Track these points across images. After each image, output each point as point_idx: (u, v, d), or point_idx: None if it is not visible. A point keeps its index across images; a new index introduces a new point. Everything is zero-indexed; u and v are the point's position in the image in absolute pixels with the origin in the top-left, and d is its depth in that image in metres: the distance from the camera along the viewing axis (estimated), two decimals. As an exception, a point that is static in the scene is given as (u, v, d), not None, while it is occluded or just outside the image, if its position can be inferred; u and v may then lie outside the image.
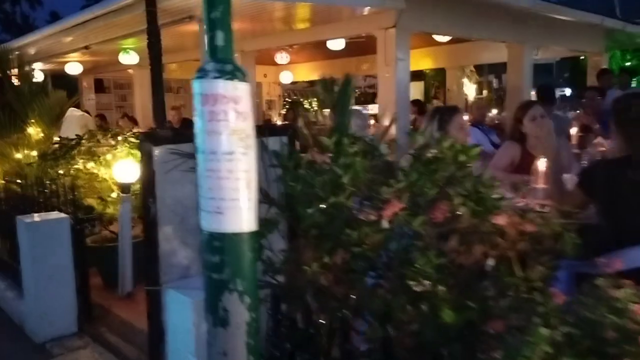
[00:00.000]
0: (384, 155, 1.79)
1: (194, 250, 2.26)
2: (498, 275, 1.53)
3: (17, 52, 5.45)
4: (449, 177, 1.58)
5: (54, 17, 42.67)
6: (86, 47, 7.24)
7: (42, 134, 5.45)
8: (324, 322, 1.68)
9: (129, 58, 7.93)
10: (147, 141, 2.04)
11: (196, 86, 1.23)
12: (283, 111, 16.04)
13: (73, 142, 4.40)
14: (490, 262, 1.57)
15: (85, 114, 8.37)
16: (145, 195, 2.08)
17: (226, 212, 1.24)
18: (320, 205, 1.70)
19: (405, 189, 1.54)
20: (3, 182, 5.34)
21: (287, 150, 2.18)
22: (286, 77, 13.69)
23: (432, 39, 9.48)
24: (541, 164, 2.84)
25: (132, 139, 4.35)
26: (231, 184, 1.23)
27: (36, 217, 3.74)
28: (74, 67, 9.28)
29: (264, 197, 2.14)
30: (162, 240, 2.15)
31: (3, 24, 43.41)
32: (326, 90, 2.47)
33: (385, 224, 1.56)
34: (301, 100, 20.43)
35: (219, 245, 1.24)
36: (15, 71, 5.37)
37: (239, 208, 1.25)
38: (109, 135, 4.39)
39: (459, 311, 1.41)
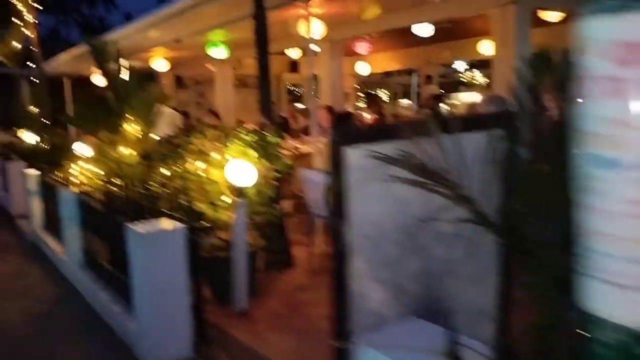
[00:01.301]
0: None
1: (389, 288, 1.66)
2: None
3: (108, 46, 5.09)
4: None
5: (129, 19, 44.27)
6: (177, 40, 6.92)
7: (139, 132, 5.10)
8: None
9: (218, 51, 7.55)
10: (338, 139, 1.45)
11: (600, 28, 0.61)
12: (360, 104, 15.39)
13: (179, 140, 3.96)
14: None
15: (174, 111, 8.11)
16: (335, 214, 1.50)
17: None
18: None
19: None
20: (102, 183, 5.05)
21: (502, 150, 1.56)
22: (363, 68, 12.84)
23: (538, 18, 8.50)
24: None
25: (244, 136, 3.86)
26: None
27: (148, 225, 3.31)
28: (159, 64, 9.06)
29: (476, 214, 1.53)
30: (352, 276, 1.57)
31: (81, 27, 45.67)
32: (541, 68, 1.80)
33: None
34: (376, 92, 19.70)
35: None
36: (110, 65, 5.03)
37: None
38: (218, 133, 3.91)
39: None
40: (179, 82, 14.44)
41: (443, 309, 1.67)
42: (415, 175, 1.49)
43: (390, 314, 1.65)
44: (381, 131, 1.67)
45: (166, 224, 3.33)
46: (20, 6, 7.25)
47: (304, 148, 6.56)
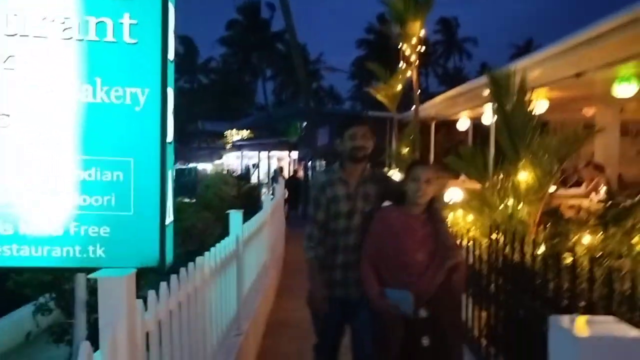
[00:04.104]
0: None
1: None
2: None
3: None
4: None
5: (483, 68, 45.17)
6: (577, 75, 5.75)
7: (537, 182, 4.12)
8: None
9: (626, 88, 5.99)
10: None
11: None
12: None
13: (628, 203, 2.79)
14: None
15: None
16: None
17: None
18: None
19: None
20: (478, 236, 4.27)
21: None
22: None
23: None
24: None
25: None
26: None
27: (583, 324, 2.24)
28: (539, 105, 7.99)
29: None
30: None
31: (439, 78, 49.30)
32: None
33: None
34: None
35: None
36: (512, 99, 4.24)
37: None
38: None
39: None
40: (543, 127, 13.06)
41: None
42: None
43: None
44: None
45: (615, 327, 2.19)
46: (407, 49, 7.39)
47: None
